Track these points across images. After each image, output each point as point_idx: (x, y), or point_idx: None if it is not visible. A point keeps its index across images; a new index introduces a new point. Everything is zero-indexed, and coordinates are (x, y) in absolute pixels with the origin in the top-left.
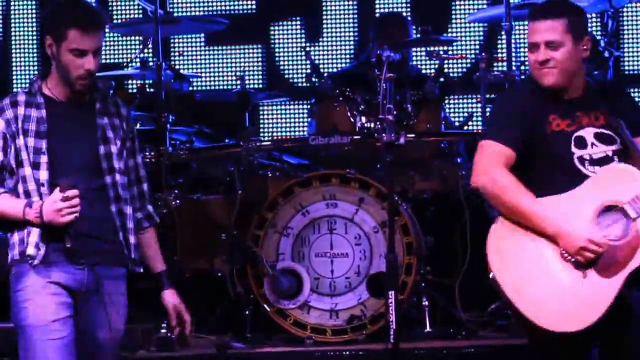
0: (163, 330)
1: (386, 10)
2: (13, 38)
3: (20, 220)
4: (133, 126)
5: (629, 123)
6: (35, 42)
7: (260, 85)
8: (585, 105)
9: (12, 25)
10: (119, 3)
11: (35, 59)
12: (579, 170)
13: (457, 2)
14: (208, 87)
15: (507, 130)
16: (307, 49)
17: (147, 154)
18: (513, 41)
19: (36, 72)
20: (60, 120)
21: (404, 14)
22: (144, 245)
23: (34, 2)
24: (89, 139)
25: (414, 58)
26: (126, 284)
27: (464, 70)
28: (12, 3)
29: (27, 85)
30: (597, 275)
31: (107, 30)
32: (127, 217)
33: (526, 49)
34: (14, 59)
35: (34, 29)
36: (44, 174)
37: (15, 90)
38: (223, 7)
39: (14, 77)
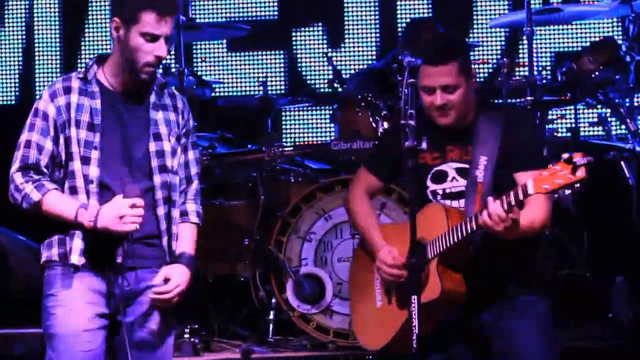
0: (187, 335)
1: (408, 15)
2: (36, 36)
3: (70, 221)
4: (189, 120)
5: (514, 157)
6: (58, 41)
7: (283, 91)
8: (460, 138)
9: (35, 26)
10: None
11: (58, 58)
12: (430, 202)
13: (479, 7)
14: (230, 93)
15: (376, 159)
16: (329, 54)
17: None
18: (534, 46)
19: (59, 72)
20: (114, 112)
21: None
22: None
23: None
24: (142, 135)
25: None
26: None
27: (486, 75)
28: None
29: (82, 68)
30: (394, 302)
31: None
32: (173, 222)
33: (546, 53)
34: (37, 59)
35: (57, 28)
36: (94, 171)
37: (38, 89)
38: (245, 14)
39: (37, 77)
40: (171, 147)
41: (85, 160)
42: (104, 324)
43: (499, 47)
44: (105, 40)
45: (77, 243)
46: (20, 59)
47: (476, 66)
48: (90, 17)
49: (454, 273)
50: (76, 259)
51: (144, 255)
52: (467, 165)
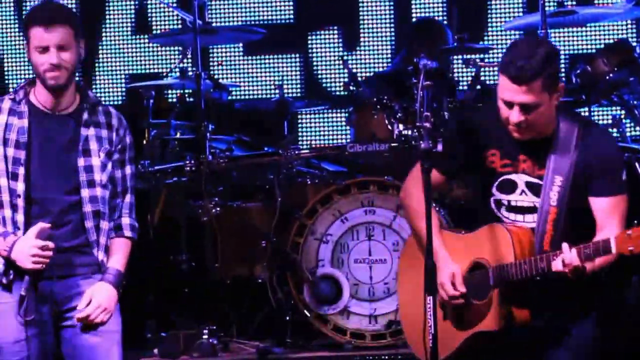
0: (205, 336)
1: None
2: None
3: None
4: (125, 137)
5: (591, 179)
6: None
7: (299, 94)
8: (536, 149)
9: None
10: (158, 14)
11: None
12: (493, 212)
13: (493, 10)
14: (247, 96)
15: (441, 154)
16: (345, 57)
17: (187, 162)
18: None
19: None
20: (43, 130)
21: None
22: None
23: (74, 3)
24: (71, 151)
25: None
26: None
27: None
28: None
29: (14, 91)
30: (450, 321)
31: (77, 27)
32: (102, 233)
33: (561, 55)
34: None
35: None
36: (20, 186)
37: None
38: (261, 17)
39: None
40: (100, 162)
41: (14, 177)
42: (41, 331)
43: None
44: (122, 42)
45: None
46: None
47: (491, 69)
48: (107, 20)
49: (516, 306)
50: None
51: (75, 263)
52: (539, 182)
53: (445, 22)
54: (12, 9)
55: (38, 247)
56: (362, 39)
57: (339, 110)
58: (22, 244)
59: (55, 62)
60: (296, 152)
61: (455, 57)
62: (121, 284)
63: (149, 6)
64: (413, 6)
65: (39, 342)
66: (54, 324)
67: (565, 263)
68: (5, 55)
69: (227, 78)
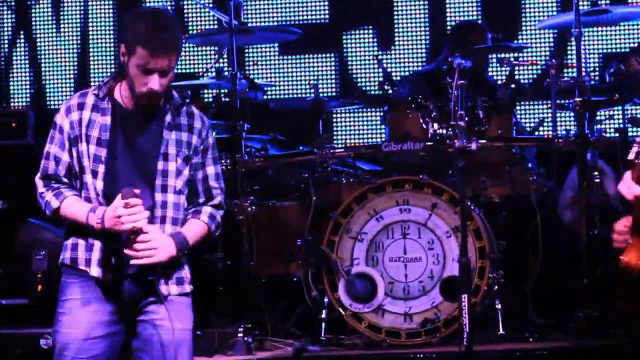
0: (240, 335)
1: (457, 18)
2: (91, 40)
3: (83, 225)
4: (207, 138)
5: None
6: (112, 47)
7: (334, 93)
8: None
9: (90, 32)
10: (194, 14)
11: (112, 64)
12: None
13: (527, 9)
14: (282, 96)
15: None
16: (379, 57)
17: (223, 161)
18: (582, 47)
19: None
20: (124, 129)
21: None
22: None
23: (111, 4)
24: (151, 153)
25: None
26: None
27: (535, 76)
28: (90, 6)
29: (97, 85)
30: None
31: (182, 49)
32: None
33: (594, 54)
34: (91, 65)
35: (112, 34)
36: (99, 184)
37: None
38: (296, 17)
39: (92, 82)
40: (176, 168)
41: (94, 174)
42: (110, 331)
43: (547, 49)
44: None
45: (83, 251)
46: (76, 65)
47: (525, 68)
48: None
49: None
50: (83, 266)
51: (127, 262)
52: None
53: (480, 21)
54: (50, 8)
55: (122, 206)
56: (396, 39)
57: (373, 110)
58: (109, 210)
59: (156, 88)
60: (331, 151)
61: (489, 56)
62: (182, 250)
63: (185, 6)
64: (447, 6)
65: (109, 341)
66: (125, 323)
67: None
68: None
69: (262, 78)
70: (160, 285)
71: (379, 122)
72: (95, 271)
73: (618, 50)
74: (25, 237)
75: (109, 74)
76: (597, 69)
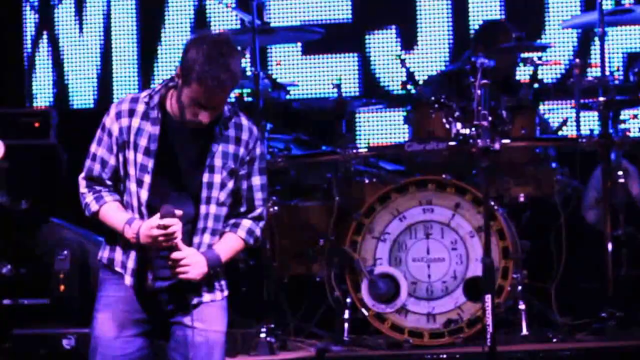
0: (263, 335)
1: (481, 17)
2: (114, 40)
3: (121, 234)
4: (255, 149)
5: None
6: (135, 45)
7: (357, 93)
8: None
9: (113, 31)
10: (217, 14)
11: (135, 63)
12: None
13: (551, 9)
14: (305, 96)
15: None
16: (402, 56)
17: None
18: (606, 47)
19: (136, 76)
20: (173, 139)
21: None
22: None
23: (134, 3)
24: (198, 165)
25: None
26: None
27: (558, 76)
28: (113, 5)
29: (149, 93)
30: None
31: (240, 80)
32: (201, 247)
33: (618, 54)
34: (114, 63)
35: (135, 32)
36: (144, 194)
37: (116, 94)
38: (319, 17)
39: (114, 81)
40: (221, 180)
41: (139, 183)
42: (141, 330)
43: (571, 48)
44: (182, 43)
45: (120, 254)
46: (99, 63)
47: (548, 67)
48: (166, 20)
49: None
50: (119, 268)
51: (161, 265)
52: None
53: (504, 20)
54: (73, 8)
55: (157, 226)
56: (419, 38)
57: (396, 109)
58: (144, 227)
59: (205, 121)
60: (354, 151)
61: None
62: (214, 267)
63: (208, 6)
64: (470, 5)
65: (140, 341)
66: (159, 323)
67: None
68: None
69: (285, 77)
70: (191, 298)
71: (402, 122)
72: (128, 280)
73: None
74: (47, 237)
75: (134, 72)
76: (620, 68)
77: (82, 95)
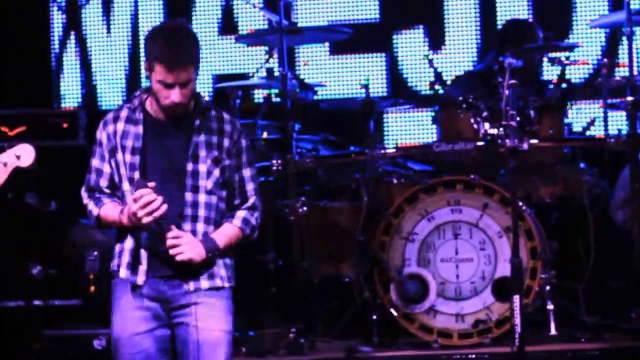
0: (292, 335)
1: (508, 17)
2: (141, 40)
3: (120, 225)
4: (239, 140)
5: None
6: None
7: (384, 93)
8: None
9: (141, 31)
10: (244, 14)
11: None
12: None
13: (579, 8)
14: (333, 96)
15: None
16: (430, 56)
17: (274, 162)
18: (634, 46)
19: None
20: (156, 136)
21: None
22: None
23: (161, 3)
24: (181, 156)
25: None
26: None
27: (586, 76)
28: (140, 6)
29: (130, 99)
30: None
31: (199, 60)
32: (197, 236)
33: None
34: (142, 60)
35: None
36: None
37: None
38: (347, 17)
39: (143, 82)
40: (207, 169)
41: (131, 181)
42: (154, 326)
43: (599, 48)
44: (209, 43)
45: (124, 259)
46: (127, 63)
47: (576, 67)
48: (194, 20)
49: None
50: (124, 273)
51: (172, 266)
52: None
53: (529, 20)
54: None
55: (135, 200)
56: (447, 38)
57: (424, 110)
58: (126, 209)
59: (177, 100)
60: (382, 151)
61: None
62: (211, 252)
63: (235, 6)
64: (498, 5)
65: (157, 335)
66: (168, 320)
67: None
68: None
69: (313, 78)
70: (189, 282)
71: (429, 122)
72: (123, 273)
73: None
74: (77, 238)
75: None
76: None
77: (111, 96)
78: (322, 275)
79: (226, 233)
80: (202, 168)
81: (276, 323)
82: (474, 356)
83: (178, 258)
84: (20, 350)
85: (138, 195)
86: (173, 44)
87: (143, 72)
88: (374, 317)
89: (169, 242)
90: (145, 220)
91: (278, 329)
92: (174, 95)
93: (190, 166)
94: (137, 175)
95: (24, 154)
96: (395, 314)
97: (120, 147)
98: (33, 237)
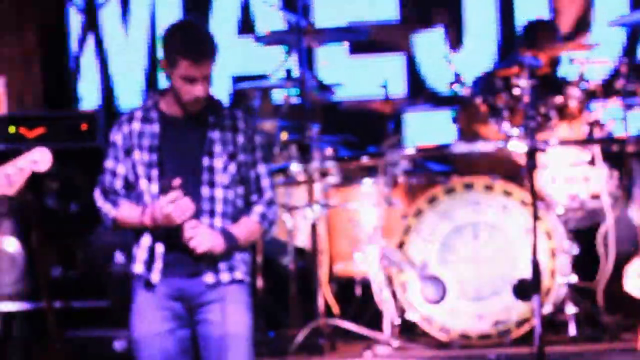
0: (312, 335)
1: (527, 17)
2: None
3: (139, 225)
4: (253, 138)
5: None
6: None
7: (404, 94)
8: None
9: (159, 29)
10: (262, 14)
11: None
12: None
13: (598, 7)
14: (352, 96)
15: None
16: (449, 57)
17: (293, 163)
18: None
19: None
20: (172, 134)
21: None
22: None
23: (179, 4)
24: (197, 152)
25: None
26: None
27: (606, 75)
28: (158, 7)
29: (143, 100)
30: None
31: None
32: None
33: None
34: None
35: None
36: (155, 187)
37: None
38: (365, 17)
39: (161, 81)
40: (223, 164)
41: (149, 179)
42: (175, 325)
43: (619, 47)
44: (227, 43)
45: (141, 255)
46: (145, 64)
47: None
48: (212, 21)
49: None
50: (140, 269)
51: (191, 261)
52: None
53: (550, 19)
54: (118, 10)
55: (167, 203)
56: (466, 39)
57: (443, 110)
58: (157, 208)
59: (201, 95)
60: (401, 152)
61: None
62: (231, 244)
63: (254, 7)
64: (517, 4)
65: (178, 335)
66: (189, 318)
67: None
68: None
69: (331, 78)
70: (207, 275)
71: (449, 123)
72: (139, 269)
73: None
74: (96, 240)
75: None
76: None
77: (129, 97)
78: (342, 275)
79: (244, 226)
80: (218, 163)
81: (296, 323)
82: (493, 357)
83: (198, 250)
84: (41, 352)
85: (172, 199)
86: (197, 38)
87: (161, 73)
88: (394, 318)
89: (188, 233)
90: (179, 221)
91: (298, 330)
92: (197, 90)
93: (206, 161)
94: (154, 173)
95: (41, 159)
96: (414, 314)
97: (137, 146)
98: (53, 239)
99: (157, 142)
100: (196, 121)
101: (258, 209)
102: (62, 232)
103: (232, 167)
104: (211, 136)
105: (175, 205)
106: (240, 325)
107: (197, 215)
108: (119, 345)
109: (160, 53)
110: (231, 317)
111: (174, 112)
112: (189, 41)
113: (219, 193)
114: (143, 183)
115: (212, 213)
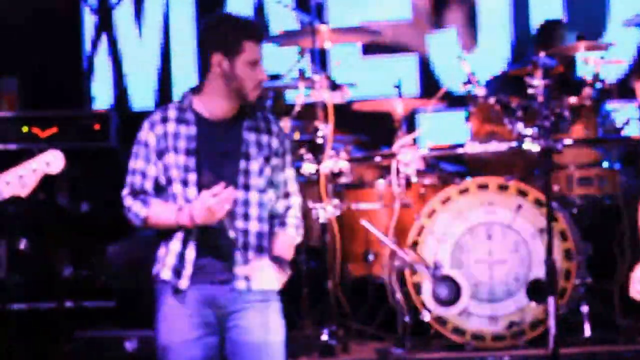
0: (325, 337)
1: (541, 17)
2: (173, 42)
3: (174, 226)
4: (284, 141)
5: None
6: (194, 45)
7: (417, 94)
8: None
9: (172, 29)
10: (276, 14)
11: (194, 63)
12: None
13: (613, 7)
14: (365, 96)
15: None
16: (462, 57)
17: (306, 163)
18: None
19: (196, 78)
20: (209, 136)
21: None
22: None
23: (193, 4)
24: (234, 155)
25: None
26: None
27: (621, 75)
28: (171, 6)
29: (179, 99)
30: None
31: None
32: (249, 235)
33: None
34: (173, 66)
35: (193, 31)
36: (192, 192)
37: (175, 96)
38: (379, 17)
39: (174, 83)
40: (258, 167)
41: (185, 183)
42: (204, 332)
43: (634, 47)
44: None
45: (170, 260)
46: (158, 64)
47: (611, 66)
48: None
49: None
50: (168, 275)
51: (221, 269)
52: None
53: (564, 19)
54: (131, 10)
55: (211, 196)
56: (480, 39)
57: (457, 110)
58: (197, 204)
59: (265, 78)
60: (414, 152)
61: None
62: (282, 267)
63: (267, 7)
64: (531, 4)
65: (206, 343)
66: (219, 326)
67: None
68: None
69: (344, 78)
70: (239, 281)
71: (462, 123)
72: (167, 274)
73: None
74: (108, 240)
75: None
76: None
77: (142, 97)
78: (355, 276)
79: (283, 242)
80: (254, 166)
81: (308, 325)
82: (507, 358)
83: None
84: (52, 352)
85: (217, 192)
86: (249, 20)
87: (175, 73)
88: (407, 319)
89: (245, 270)
90: (219, 215)
91: (310, 331)
92: (262, 74)
93: (242, 164)
94: (192, 177)
95: (54, 161)
96: (427, 315)
97: (172, 148)
98: (64, 238)
99: (195, 145)
100: (232, 123)
101: (292, 221)
102: (73, 231)
103: (268, 170)
104: (247, 139)
105: (218, 199)
106: (276, 332)
107: (231, 218)
108: (129, 345)
109: (209, 49)
110: (267, 324)
111: (210, 113)
112: (247, 23)
113: (253, 196)
114: (177, 187)
115: (246, 216)
